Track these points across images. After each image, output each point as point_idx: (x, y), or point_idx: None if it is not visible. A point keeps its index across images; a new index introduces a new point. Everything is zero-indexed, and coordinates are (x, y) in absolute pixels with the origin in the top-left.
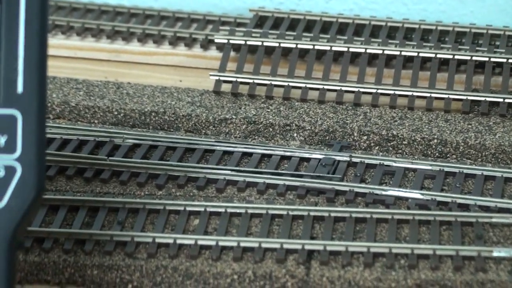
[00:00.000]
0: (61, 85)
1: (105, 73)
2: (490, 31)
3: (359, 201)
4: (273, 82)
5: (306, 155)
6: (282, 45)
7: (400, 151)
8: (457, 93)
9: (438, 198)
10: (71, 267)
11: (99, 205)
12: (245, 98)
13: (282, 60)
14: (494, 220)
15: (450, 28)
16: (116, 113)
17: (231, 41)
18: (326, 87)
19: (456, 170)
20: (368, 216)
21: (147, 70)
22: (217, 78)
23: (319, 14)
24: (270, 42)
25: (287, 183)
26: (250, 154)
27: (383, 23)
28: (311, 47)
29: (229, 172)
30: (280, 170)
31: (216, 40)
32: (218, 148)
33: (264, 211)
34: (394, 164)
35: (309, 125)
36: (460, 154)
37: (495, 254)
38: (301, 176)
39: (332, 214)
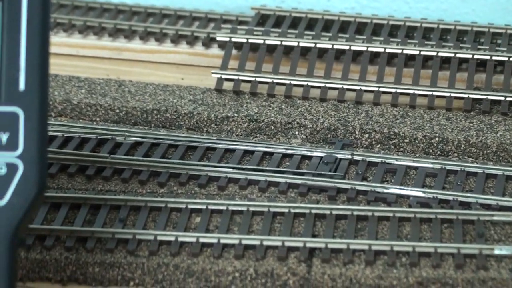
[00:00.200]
0: (63, 83)
1: (107, 71)
2: (491, 30)
3: (360, 199)
4: (275, 80)
5: (308, 153)
6: (283, 43)
7: (401, 149)
8: (459, 91)
9: (440, 196)
10: (72, 264)
11: (101, 203)
12: (247, 96)
13: (284, 58)
14: (495, 218)
15: (452, 27)
16: (118, 111)
17: (233, 39)
18: (328, 85)
19: (458, 168)
20: (369, 214)
21: (149, 68)
22: (219, 76)
23: (321, 13)
24: (272, 41)
25: (288, 181)
26: (252, 152)
27: (385, 22)
28: (312, 45)
29: (230, 170)
30: (281, 168)
31: (218, 38)
32: (219, 146)
33: (265, 209)
34: (396, 162)
35: (310, 123)
36: (461, 152)
37: (496, 252)
38: (302, 174)
39: (334, 212)
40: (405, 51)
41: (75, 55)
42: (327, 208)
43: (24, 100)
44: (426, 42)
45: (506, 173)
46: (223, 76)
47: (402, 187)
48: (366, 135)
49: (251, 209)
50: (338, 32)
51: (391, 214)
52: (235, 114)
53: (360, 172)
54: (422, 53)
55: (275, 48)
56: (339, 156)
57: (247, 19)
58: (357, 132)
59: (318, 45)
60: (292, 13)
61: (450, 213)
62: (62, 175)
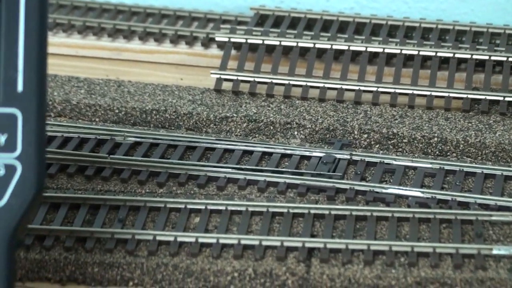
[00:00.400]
0: (62, 83)
1: (106, 71)
2: (490, 30)
3: (359, 199)
4: (274, 81)
5: (307, 153)
6: (282, 43)
7: (400, 149)
8: (458, 91)
9: (438, 196)
10: (72, 264)
11: (100, 203)
12: (246, 96)
13: (283, 58)
14: (494, 218)
15: (451, 27)
16: (117, 111)
17: (232, 40)
18: (326, 85)
19: (456, 168)
20: (368, 214)
21: (148, 68)
22: (218, 76)
23: (320, 13)
24: (271, 41)
25: (287, 181)
26: (251, 152)
27: (384, 22)
28: (311, 45)
29: (229, 170)
30: (280, 168)
31: (217, 39)
32: (219, 146)
33: (264, 209)
34: (395, 162)
35: (309, 124)
36: (460, 152)
37: (494, 252)
38: (301, 174)
39: (333, 212)
40: (404, 51)
41: (74, 56)
42: (326, 208)
43: (22, 101)
44: (425, 42)
45: (505, 173)
46: (222, 77)
47: (401, 187)
48: (365, 135)
49: (250, 209)
50: (337, 32)
51: (389, 214)
52: (234, 114)
53: (359, 172)
54: (421, 53)
55: (274, 48)
56: (338, 156)
57: (246, 20)
58: (356, 132)
59: (317, 45)
60: (291, 13)
61: (448, 213)
62: (61, 175)
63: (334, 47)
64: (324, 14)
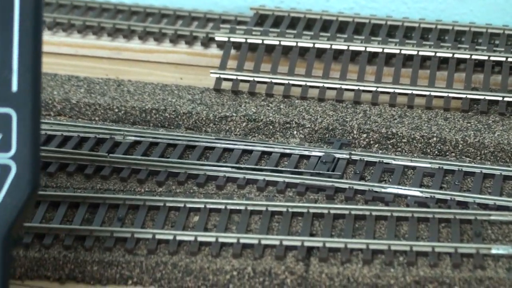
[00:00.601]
0: (62, 83)
1: (106, 70)
2: (489, 30)
3: (358, 198)
4: (273, 80)
5: (306, 153)
6: (282, 43)
7: (399, 149)
8: (457, 91)
9: (437, 196)
10: (71, 263)
11: (100, 202)
12: (245, 96)
13: (282, 58)
14: (492, 217)
15: (450, 27)
16: (116, 110)
17: (231, 39)
18: (326, 85)
19: (455, 168)
20: (367, 213)
21: (148, 68)
22: (217, 76)
23: (319, 13)
24: (271, 40)
25: (287, 180)
26: (250, 152)
27: (383, 22)
28: (311, 45)
29: (229, 169)
30: (280, 168)
31: (216, 38)
32: (218, 145)
33: (264, 208)
34: (394, 162)
35: (309, 123)
36: (459, 152)
37: (493, 251)
38: (301, 173)
39: (332, 211)
40: (403, 51)
41: (74, 55)
42: (325, 207)
43: (17, 101)
44: (424, 43)
45: (504, 173)
46: (222, 76)
47: (400, 187)
48: (364, 135)
49: (249, 208)
50: (336, 32)
51: (388, 214)
52: (234, 114)
53: (358, 172)
54: (420, 53)
55: (274, 48)
56: (337, 155)
57: (246, 19)
58: (355, 132)
59: (316, 45)
60: (291, 13)
61: (447, 213)
62: (61, 174)
63: (334, 47)
64: (323, 14)
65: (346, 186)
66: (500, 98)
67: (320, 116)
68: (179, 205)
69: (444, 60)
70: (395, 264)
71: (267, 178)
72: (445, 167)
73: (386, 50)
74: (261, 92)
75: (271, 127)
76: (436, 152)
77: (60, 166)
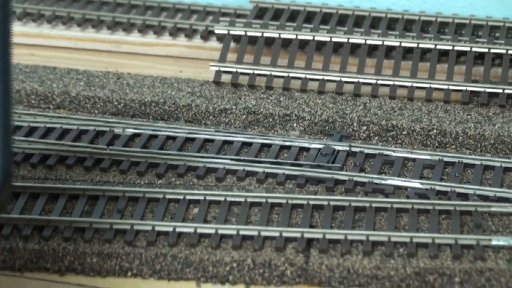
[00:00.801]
0: (62, 76)
1: (106, 64)
2: (489, 23)
3: (358, 190)
4: (273, 73)
5: (306, 145)
6: (282, 36)
7: (399, 141)
8: (457, 84)
9: (437, 188)
10: (70, 255)
11: (99, 194)
12: (245, 89)
13: (282, 51)
14: (493, 209)
15: (450, 20)
16: (116, 103)
17: (231, 32)
18: (326, 77)
19: (455, 160)
20: (367, 205)
21: (148, 61)
22: (217, 68)
23: (319, 6)
24: (270, 33)
25: (286, 172)
26: (250, 144)
27: (383, 15)
28: (311, 38)
29: (229, 161)
30: (279, 160)
31: (216, 31)
32: (218, 138)
33: (263, 200)
34: (394, 154)
35: (308, 115)
36: (459, 144)
37: (493, 242)
38: (300, 165)
39: (332, 203)
40: (403, 44)
41: (73, 48)
42: (325, 199)
43: None
44: (424, 35)
45: (504, 165)
46: (222, 69)
47: (400, 179)
48: (364, 127)
49: (249, 200)
50: (336, 25)
51: (388, 205)
52: (233, 107)
53: (358, 164)
54: (420, 46)
55: (273, 41)
56: (337, 147)
57: (246, 12)
58: (355, 124)
59: (316, 38)
60: (290, 6)
61: (447, 204)
62: (60, 167)
63: (334, 39)
64: (323, 7)
65: (346, 178)
66: (500, 91)
67: (320, 109)
68: (178, 197)
69: (444, 53)
70: (395, 256)
71: (267, 170)
72: (445, 159)
73: (386, 43)
74: (260, 85)
75: (270, 119)
76: (436, 144)
77: (60, 159)
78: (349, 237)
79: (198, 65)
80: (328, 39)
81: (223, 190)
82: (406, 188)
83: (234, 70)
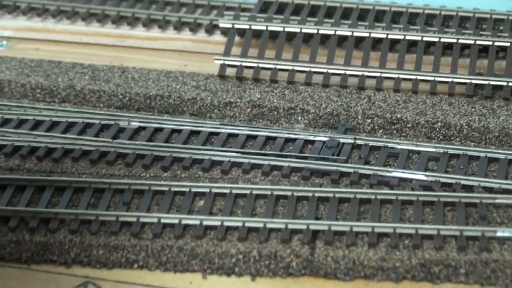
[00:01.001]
0: (67, 70)
1: (110, 58)
2: (493, 16)
3: (363, 182)
4: (278, 66)
5: (311, 138)
6: (286, 29)
7: (404, 134)
8: (461, 76)
9: (442, 180)
10: (77, 247)
11: (105, 187)
12: (249, 82)
13: (287, 44)
14: (498, 201)
15: (454, 13)
16: (121, 97)
17: (235, 26)
18: (330, 71)
19: (460, 152)
20: (372, 197)
21: (152, 55)
22: (221, 62)
23: None
24: (275, 27)
25: (291, 165)
26: (255, 137)
27: (387, 8)
28: (315, 31)
29: (234, 154)
30: (284, 152)
31: (220, 25)
32: (223, 130)
33: (269, 192)
34: (398, 146)
35: (313, 109)
36: (464, 137)
37: (499, 234)
38: (305, 158)
39: (337, 195)
40: (407, 37)
41: (78, 43)
42: (330, 191)
43: None
44: (428, 29)
45: (509, 157)
46: (226, 62)
47: (405, 171)
48: (369, 120)
49: (255, 192)
50: (340, 18)
51: (394, 197)
52: (238, 100)
53: (362, 156)
54: (424, 39)
55: (278, 35)
56: (342, 140)
57: (250, 6)
58: (359, 117)
59: (320, 32)
60: (295, 0)
61: (452, 196)
62: (66, 160)
63: (338, 33)
64: (327, 0)
65: (351, 170)
66: (505, 83)
67: (325, 102)
68: (184, 189)
69: (449, 46)
70: (401, 247)
71: (272, 163)
72: (450, 151)
73: (390, 36)
74: (265, 78)
75: (275, 112)
76: (441, 137)
77: (65, 152)
78: (355, 229)
79: (203, 59)
80: (332, 32)
81: (229, 183)
82: (411, 180)
83: (238, 63)
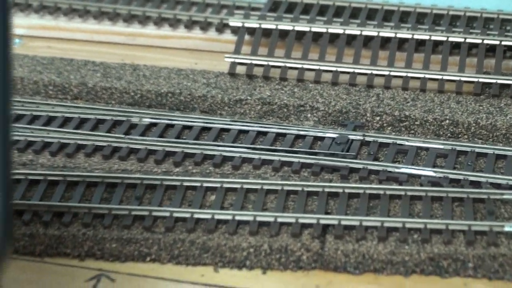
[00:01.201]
0: (79, 67)
1: (122, 56)
2: (500, 16)
3: (372, 178)
4: (287, 65)
5: (320, 134)
6: (296, 28)
7: (412, 131)
8: (469, 75)
9: (451, 176)
10: (90, 240)
11: (117, 181)
12: (259, 80)
13: (296, 43)
14: (505, 196)
15: (462, 13)
16: (132, 94)
17: (245, 25)
18: (339, 69)
19: (468, 149)
20: (381, 192)
21: (163, 53)
22: (232, 60)
23: None
24: (284, 26)
25: (301, 160)
26: (265, 133)
27: (395, 8)
28: (324, 30)
29: (245, 150)
30: (294, 148)
31: (231, 24)
32: (233, 127)
33: (279, 187)
34: (407, 143)
35: (323, 106)
36: (471, 135)
37: (506, 229)
38: (315, 154)
39: (346, 191)
40: (415, 37)
41: (90, 41)
42: (339, 186)
43: None
44: (436, 28)
45: None
46: (236, 60)
47: (414, 167)
48: (378, 118)
49: (265, 187)
50: (349, 18)
51: (402, 193)
52: (249, 97)
53: (372, 153)
54: (432, 38)
55: (288, 33)
56: (351, 137)
57: (260, 6)
58: (368, 115)
59: (329, 30)
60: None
61: (461, 192)
62: (78, 155)
63: (347, 32)
64: (336, 0)
65: (361, 166)
66: None
67: (334, 100)
68: (196, 184)
69: (456, 45)
70: (410, 241)
71: (282, 159)
72: (458, 148)
73: (398, 35)
74: (275, 76)
75: (285, 110)
76: (449, 134)
77: (78, 147)
78: (364, 223)
79: (213, 57)
80: (341, 31)
81: (240, 178)
82: (419, 176)
83: (249, 61)
